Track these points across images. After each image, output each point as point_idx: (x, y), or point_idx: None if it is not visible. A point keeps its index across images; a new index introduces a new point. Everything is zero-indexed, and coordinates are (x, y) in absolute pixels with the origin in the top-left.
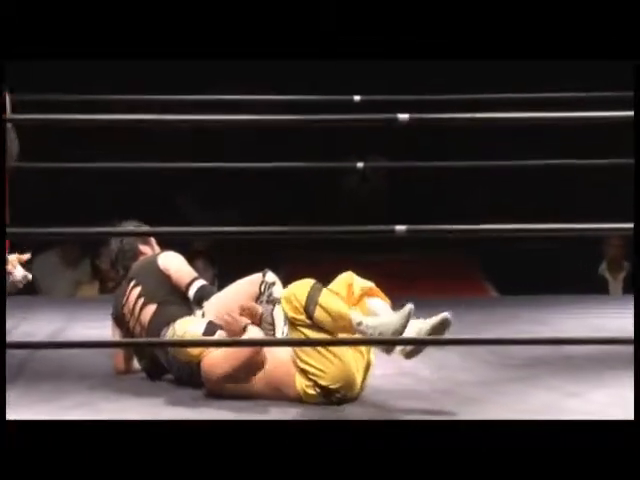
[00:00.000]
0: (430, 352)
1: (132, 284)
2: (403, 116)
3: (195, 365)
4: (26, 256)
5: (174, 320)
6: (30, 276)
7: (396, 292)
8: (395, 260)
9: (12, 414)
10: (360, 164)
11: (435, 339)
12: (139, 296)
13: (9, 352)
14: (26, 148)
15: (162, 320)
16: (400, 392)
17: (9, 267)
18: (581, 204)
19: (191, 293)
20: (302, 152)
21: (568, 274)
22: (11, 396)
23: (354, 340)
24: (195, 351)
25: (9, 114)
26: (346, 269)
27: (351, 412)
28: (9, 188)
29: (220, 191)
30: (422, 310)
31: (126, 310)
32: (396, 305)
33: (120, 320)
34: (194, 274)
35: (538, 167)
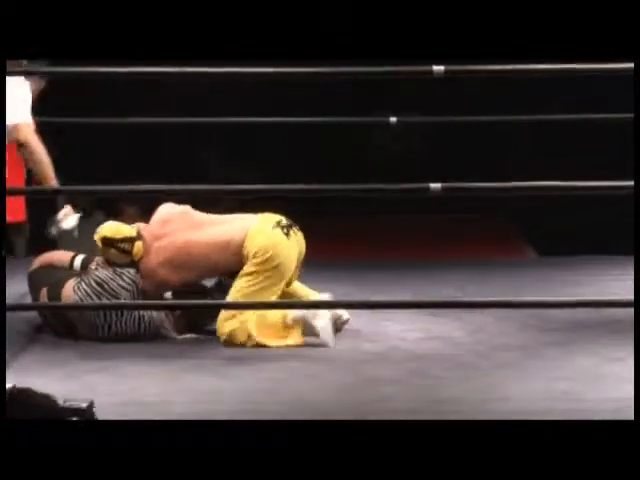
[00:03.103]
0: (465, 315)
1: None
2: (438, 68)
3: None
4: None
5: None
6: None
7: (432, 253)
8: (430, 221)
9: (32, 378)
10: (393, 119)
11: (471, 302)
12: None
13: (29, 315)
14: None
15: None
16: (433, 357)
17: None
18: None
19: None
20: (333, 106)
21: (611, 234)
22: (28, 359)
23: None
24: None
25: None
26: (378, 229)
27: (382, 374)
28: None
29: (246, 147)
30: (458, 272)
31: None
32: (434, 267)
33: None
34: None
35: (582, 121)
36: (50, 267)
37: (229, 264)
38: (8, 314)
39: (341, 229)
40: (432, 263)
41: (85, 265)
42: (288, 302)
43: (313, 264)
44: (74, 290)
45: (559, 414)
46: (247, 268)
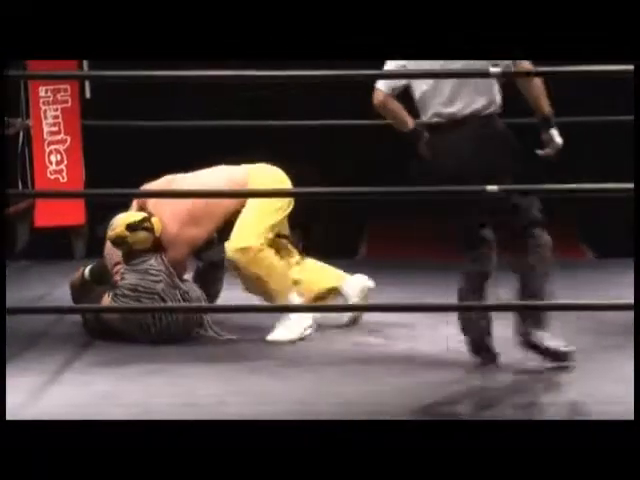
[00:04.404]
0: None
1: None
2: (495, 69)
3: None
4: None
5: None
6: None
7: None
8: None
9: (88, 378)
10: None
11: (530, 304)
12: None
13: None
14: (102, 105)
15: None
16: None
17: None
18: None
19: None
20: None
21: None
22: (86, 361)
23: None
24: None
25: (86, 69)
26: (435, 232)
27: (441, 377)
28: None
29: (301, 149)
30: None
31: None
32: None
33: None
34: None
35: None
36: (78, 286)
37: (235, 205)
38: (65, 318)
39: (403, 231)
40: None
41: (96, 273)
42: (353, 306)
43: (372, 264)
44: (112, 303)
45: (617, 417)
46: (253, 201)
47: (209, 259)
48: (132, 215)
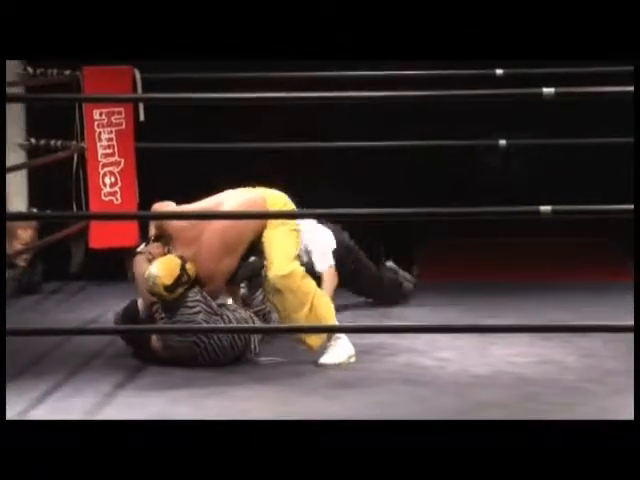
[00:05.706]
0: (574, 339)
1: None
2: (548, 90)
3: None
4: None
5: None
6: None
7: (539, 276)
8: (539, 243)
9: (141, 400)
10: (503, 142)
11: (579, 326)
12: None
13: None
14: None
15: None
16: (544, 382)
17: None
18: None
19: None
20: (442, 130)
21: None
22: (140, 383)
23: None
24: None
25: (140, 92)
26: (488, 253)
27: (491, 398)
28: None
29: (354, 171)
30: (562, 293)
31: None
32: (546, 290)
33: None
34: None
35: None
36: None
37: (260, 228)
38: (119, 340)
39: (452, 252)
40: (544, 286)
41: (130, 313)
42: (405, 327)
43: (423, 286)
44: (158, 339)
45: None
46: (274, 223)
47: (243, 277)
48: (167, 272)
